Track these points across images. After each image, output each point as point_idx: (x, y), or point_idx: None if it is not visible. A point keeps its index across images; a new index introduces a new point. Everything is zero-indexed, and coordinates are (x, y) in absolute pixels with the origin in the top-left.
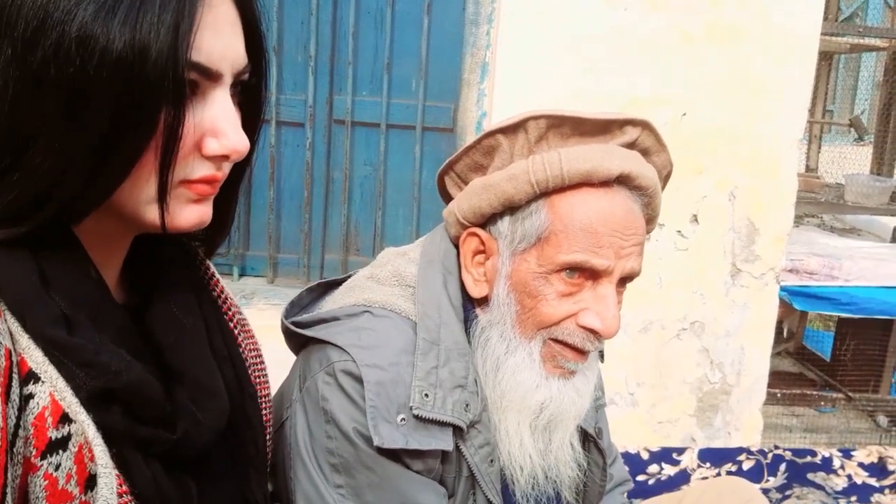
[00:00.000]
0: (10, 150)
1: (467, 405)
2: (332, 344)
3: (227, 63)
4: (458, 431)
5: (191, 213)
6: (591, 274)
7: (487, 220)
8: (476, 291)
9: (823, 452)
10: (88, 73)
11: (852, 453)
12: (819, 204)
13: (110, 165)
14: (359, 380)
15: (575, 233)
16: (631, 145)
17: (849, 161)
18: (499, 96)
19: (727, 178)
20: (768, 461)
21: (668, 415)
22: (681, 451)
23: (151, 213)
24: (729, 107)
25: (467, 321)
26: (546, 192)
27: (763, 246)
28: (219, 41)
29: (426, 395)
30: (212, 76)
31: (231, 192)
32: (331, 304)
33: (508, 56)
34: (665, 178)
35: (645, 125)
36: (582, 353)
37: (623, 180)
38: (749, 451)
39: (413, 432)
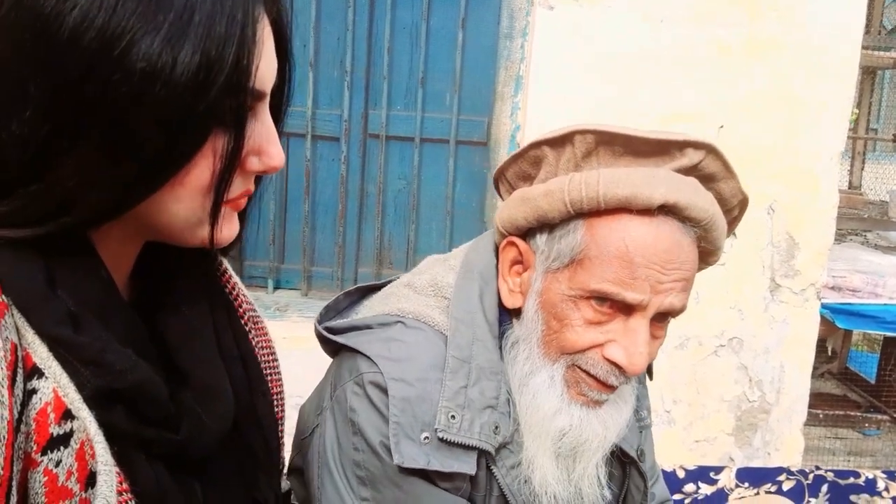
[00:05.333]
0: (41, 159)
1: (497, 427)
2: (362, 353)
3: (270, 83)
4: (486, 453)
5: (227, 229)
6: (623, 306)
7: (527, 233)
8: (510, 301)
9: (867, 474)
10: (148, 101)
11: None
12: (862, 220)
13: (142, 187)
14: (386, 392)
15: (609, 260)
16: (691, 170)
17: (894, 178)
18: (532, 109)
19: (766, 192)
20: (809, 482)
21: (705, 433)
22: (718, 469)
23: (199, 233)
24: (767, 120)
25: (502, 337)
26: (583, 214)
27: (803, 261)
28: (266, 63)
29: (453, 417)
30: (260, 97)
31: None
32: (367, 310)
33: (542, 69)
34: (740, 208)
35: (710, 149)
36: (606, 385)
37: (669, 210)
38: (789, 472)
39: (435, 452)
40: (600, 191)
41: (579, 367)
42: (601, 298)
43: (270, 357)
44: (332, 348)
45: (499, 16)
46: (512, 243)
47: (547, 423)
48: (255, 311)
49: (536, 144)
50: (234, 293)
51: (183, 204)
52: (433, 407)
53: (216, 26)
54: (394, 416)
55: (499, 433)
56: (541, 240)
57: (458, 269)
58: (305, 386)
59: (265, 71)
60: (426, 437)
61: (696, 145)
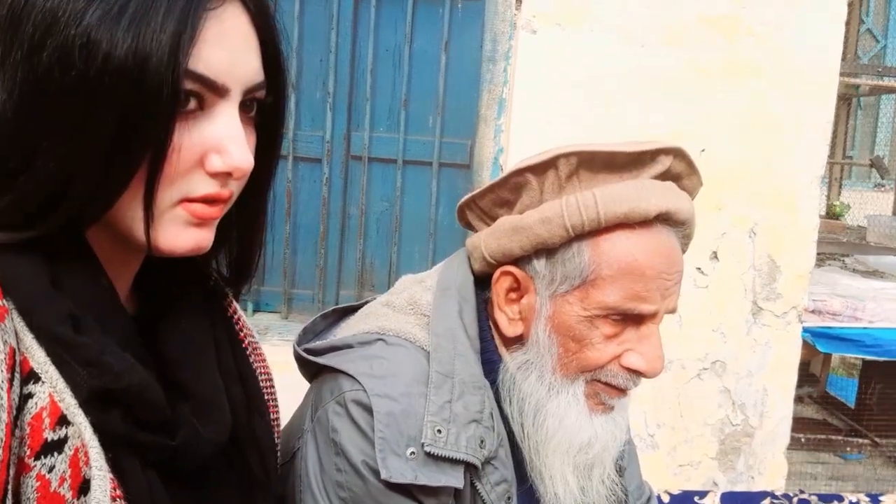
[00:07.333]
0: (19, 153)
1: (482, 441)
2: (343, 373)
3: (235, 78)
4: (471, 468)
5: (188, 236)
6: (635, 316)
7: (519, 258)
8: (511, 331)
9: (850, 497)
10: (91, 78)
11: (880, 499)
12: (842, 244)
13: (116, 172)
14: (369, 410)
15: (622, 277)
16: (664, 174)
17: (869, 205)
18: (515, 132)
19: (747, 215)
20: None
21: (689, 457)
22: (703, 494)
23: (141, 231)
24: (748, 143)
25: (484, 353)
26: (581, 235)
27: (785, 284)
28: (225, 53)
29: (439, 431)
30: (217, 89)
31: (254, 222)
32: (345, 330)
33: (525, 92)
34: (693, 197)
35: (677, 152)
36: (624, 391)
37: (662, 218)
38: (773, 496)
39: (422, 467)
40: (600, 211)
41: (599, 381)
42: (617, 313)
43: (268, 384)
44: (311, 371)
45: (482, 39)
46: (506, 273)
47: (574, 440)
48: (255, 338)
49: (519, 172)
50: (236, 317)
51: (129, 195)
52: (419, 421)
53: (157, 2)
54: (379, 431)
55: (484, 447)
56: (539, 265)
57: (434, 289)
58: (283, 410)
59: (218, 58)
60: (412, 453)
61: (667, 151)
